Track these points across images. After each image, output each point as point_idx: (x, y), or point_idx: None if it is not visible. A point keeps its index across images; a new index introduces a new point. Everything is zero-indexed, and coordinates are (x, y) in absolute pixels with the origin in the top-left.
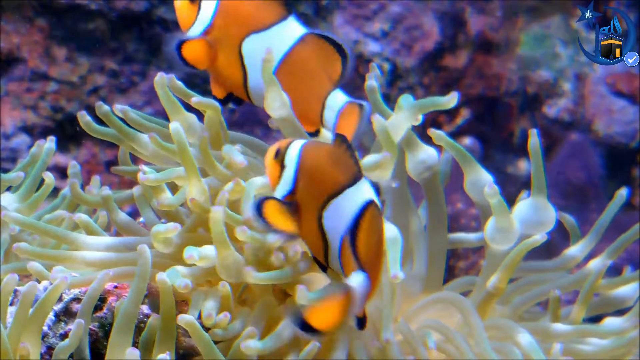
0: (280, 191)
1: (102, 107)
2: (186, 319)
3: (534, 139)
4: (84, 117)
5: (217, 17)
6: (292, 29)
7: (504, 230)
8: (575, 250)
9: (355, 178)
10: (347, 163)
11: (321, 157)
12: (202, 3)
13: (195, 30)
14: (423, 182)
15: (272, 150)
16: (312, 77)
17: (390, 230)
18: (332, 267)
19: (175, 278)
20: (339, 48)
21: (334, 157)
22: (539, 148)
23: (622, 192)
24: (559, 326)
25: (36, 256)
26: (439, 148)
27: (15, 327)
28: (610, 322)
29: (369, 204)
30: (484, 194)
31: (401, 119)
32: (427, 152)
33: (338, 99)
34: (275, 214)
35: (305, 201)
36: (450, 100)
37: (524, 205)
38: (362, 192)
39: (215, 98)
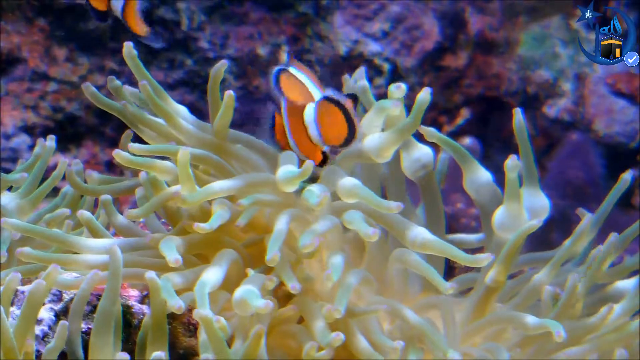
0: None
1: (114, 81)
2: (202, 313)
3: (517, 117)
4: (88, 88)
5: None
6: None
7: (514, 216)
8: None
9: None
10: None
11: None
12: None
13: None
14: (418, 180)
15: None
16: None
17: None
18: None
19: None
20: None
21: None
22: (524, 128)
23: (626, 177)
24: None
25: (39, 260)
26: (434, 147)
27: (21, 325)
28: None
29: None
30: (482, 192)
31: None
32: (421, 151)
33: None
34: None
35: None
36: (394, 107)
37: None
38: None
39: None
